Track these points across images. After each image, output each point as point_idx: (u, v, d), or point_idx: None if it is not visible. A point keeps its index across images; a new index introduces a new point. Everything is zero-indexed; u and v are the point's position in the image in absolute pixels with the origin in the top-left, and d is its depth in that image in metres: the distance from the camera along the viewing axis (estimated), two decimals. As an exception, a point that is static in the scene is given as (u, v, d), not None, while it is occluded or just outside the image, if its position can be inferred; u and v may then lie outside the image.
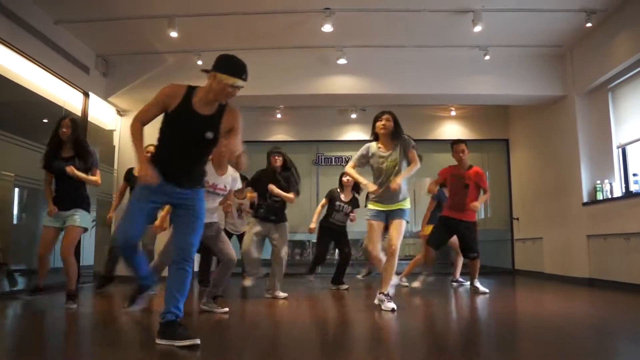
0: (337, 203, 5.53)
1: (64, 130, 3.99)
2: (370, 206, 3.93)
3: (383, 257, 3.90)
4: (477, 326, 3.34)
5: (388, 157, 3.87)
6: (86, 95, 6.11)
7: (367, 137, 8.65)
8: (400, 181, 3.77)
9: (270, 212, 4.52)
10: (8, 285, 5.27)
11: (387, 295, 3.77)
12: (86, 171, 4.00)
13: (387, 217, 3.89)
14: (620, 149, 5.74)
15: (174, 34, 5.51)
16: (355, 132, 8.79)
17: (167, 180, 2.58)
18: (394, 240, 3.78)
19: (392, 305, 3.66)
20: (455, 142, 5.14)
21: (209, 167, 3.62)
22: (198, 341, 2.42)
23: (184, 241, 2.62)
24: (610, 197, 5.66)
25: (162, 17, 5.41)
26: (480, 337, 2.95)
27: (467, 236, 5.01)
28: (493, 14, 5.36)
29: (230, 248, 3.75)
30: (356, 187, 5.55)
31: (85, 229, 4.06)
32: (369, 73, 6.58)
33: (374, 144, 3.99)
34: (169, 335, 2.45)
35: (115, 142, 6.94)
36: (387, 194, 3.82)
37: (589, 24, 5.38)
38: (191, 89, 2.60)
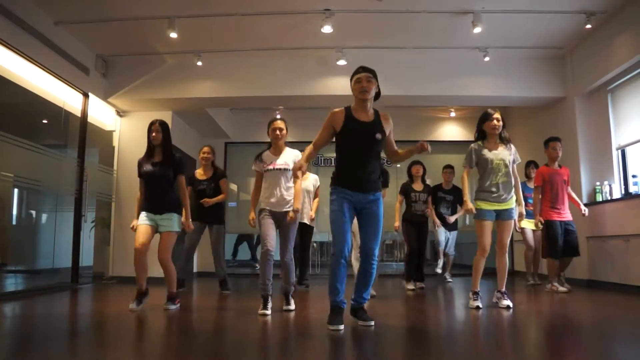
0: (412, 194, 5.70)
1: (154, 134, 4.00)
2: (481, 205, 3.99)
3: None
4: (477, 326, 3.34)
5: (498, 155, 3.97)
6: (86, 96, 6.11)
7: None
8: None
9: None
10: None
11: (504, 292, 4.02)
12: (174, 177, 4.02)
13: (497, 216, 4.01)
14: (619, 151, 5.73)
15: (173, 35, 5.50)
16: (355, 133, 8.78)
17: (352, 190, 3.09)
18: (505, 240, 4.01)
19: (507, 302, 3.93)
20: (552, 139, 5.21)
21: (266, 153, 3.91)
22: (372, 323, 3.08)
23: (365, 243, 3.14)
24: (609, 198, 5.66)
25: (162, 18, 5.40)
26: (477, 338, 2.94)
27: (575, 237, 5.12)
28: (493, 16, 5.36)
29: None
30: (424, 178, 5.81)
31: (178, 232, 4.03)
32: (368, 74, 6.58)
33: (479, 143, 4.07)
34: (357, 317, 3.17)
35: (115, 142, 6.94)
36: (497, 193, 3.95)
37: (588, 26, 5.39)
38: (348, 107, 3.16)
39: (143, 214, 3.94)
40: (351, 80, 3.18)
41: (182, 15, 5.38)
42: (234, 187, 9.10)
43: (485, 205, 3.98)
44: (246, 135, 8.71)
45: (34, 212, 5.81)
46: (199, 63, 6.29)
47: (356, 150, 3.11)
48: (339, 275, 3.10)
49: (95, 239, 6.84)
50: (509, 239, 4.06)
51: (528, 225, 6.01)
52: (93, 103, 6.25)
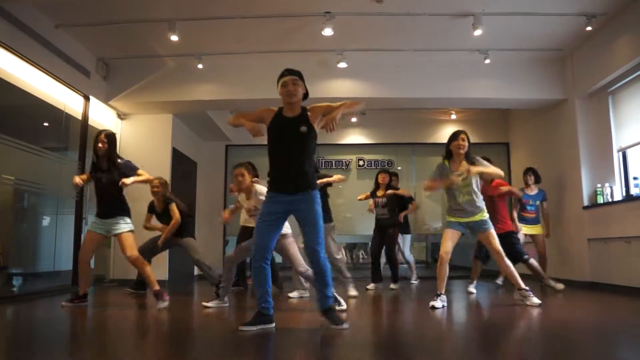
0: (375, 199, 6.14)
1: (100, 145, 4.16)
2: (450, 219, 4.16)
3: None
4: (476, 329, 3.34)
5: (461, 175, 4.08)
6: (87, 98, 6.12)
7: (367, 140, 8.83)
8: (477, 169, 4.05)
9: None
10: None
11: (528, 290, 4.15)
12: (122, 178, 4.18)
13: (470, 229, 4.15)
14: (620, 153, 5.73)
15: (174, 38, 5.51)
16: (356, 136, 8.80)
17: (280, 192, 3.06)
18: (496, 246, 4.09)
19: (536, 300, 4.07)
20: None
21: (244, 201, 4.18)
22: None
23: (307, 244, 3.05)
24: (610, 200, 5.65)
25: (163, 21, 5.41)
26: (476, 340, 2.94)
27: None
28: (493, 18, 5.37)
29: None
30: (389, 185, 6.17)
31: (132, 231, 4.24)
32: (369, 77, 6.59)
33: (445, 162, 4.21)
34: (328, 318, 3.09)
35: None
36: (463, 211, 4.08)
37: (589, 28, 5.39)
38: (280, 109, 3.28)
39: (93, 220, 4.22)
40: (277, 83, 3.24)
41: (182, 17, 5.39)
42: (234, 189, 9.08)
43: (453, 218, 4.15)
44: (247, 138, 8.54)
45: (34, 215, 5.81)
46: (200, 66, 6.30)
47: (284, 144, 3.10)
48: (259, 281, 3.06)
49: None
50: (498, 244, 4.12)
51: (534, 231, 6.03)
52: (94, 106, 6.26)
